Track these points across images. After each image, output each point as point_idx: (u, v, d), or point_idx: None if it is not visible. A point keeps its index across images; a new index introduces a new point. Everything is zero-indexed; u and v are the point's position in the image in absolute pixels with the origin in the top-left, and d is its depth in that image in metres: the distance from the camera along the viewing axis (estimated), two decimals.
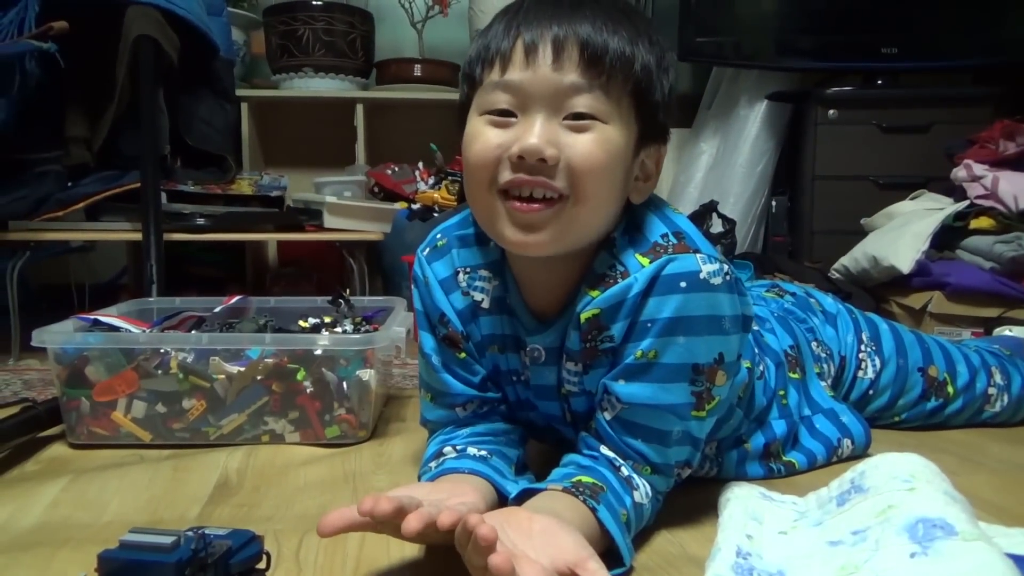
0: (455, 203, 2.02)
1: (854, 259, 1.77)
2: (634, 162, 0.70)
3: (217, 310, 1.19)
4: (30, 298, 1.71)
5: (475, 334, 0.78)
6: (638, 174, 0.71)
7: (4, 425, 0.92)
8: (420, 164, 2.22)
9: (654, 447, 0.69)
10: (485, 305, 0.77)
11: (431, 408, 0.81)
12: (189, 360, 0.97)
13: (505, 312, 0.77)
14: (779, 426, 0.87)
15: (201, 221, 1.72)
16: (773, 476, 0.85)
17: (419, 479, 0.76)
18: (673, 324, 0.66)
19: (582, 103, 0.65)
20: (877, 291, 1.73)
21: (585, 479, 0.66)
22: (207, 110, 1.84)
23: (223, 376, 0.97)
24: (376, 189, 2.23)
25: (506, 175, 0.66)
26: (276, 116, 2.54)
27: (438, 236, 0.81)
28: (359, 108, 2.36)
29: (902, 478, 0.61)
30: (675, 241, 0.69)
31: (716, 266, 0.67)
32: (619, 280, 0.69)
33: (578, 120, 0.65)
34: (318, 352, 0.98)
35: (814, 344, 0.97)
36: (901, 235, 1.68)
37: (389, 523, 0.57)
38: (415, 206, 2.06)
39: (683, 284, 0.66)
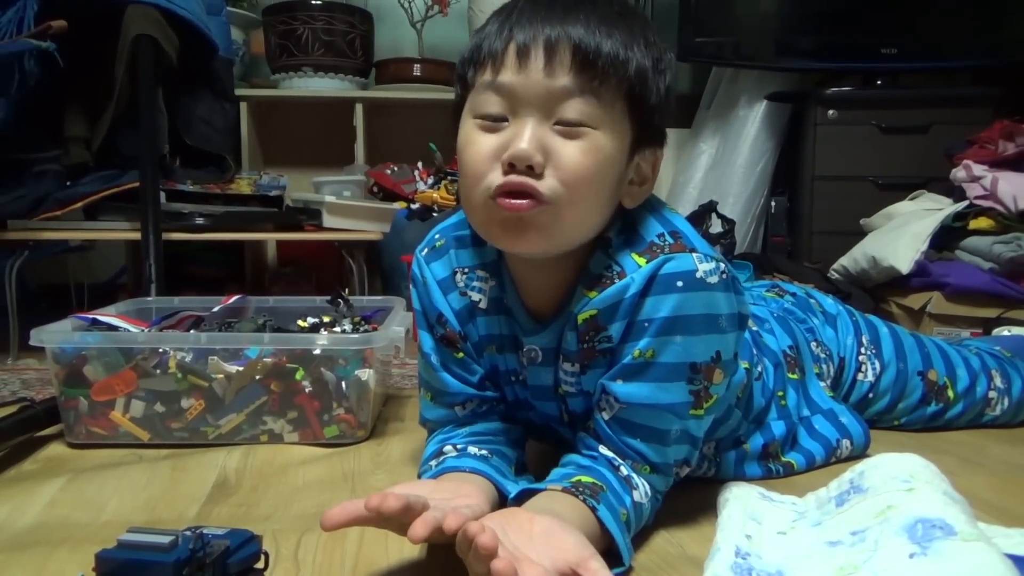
0: (454, 203, 2.02)
1: (853, 259, 1.78)
2: (628, 166, 0.69)
3: (216, 310, 1.18)
4: (29, 297, 1.71)
5: (473, 334, 0.78)
6: (633, 177, 0.70)
7: (2, 424, 0.92)
8: (419, 164, 2.22)
9: (653, 446, 0.69)
10: (483, 305, 0.77)
11: (430, 407, 0.81)
12: (188, 360, 0.97)
13: (502, 312, 0.77)
14: (778, 427, 0.87)
15: (200, 221, 1.71)
16: (772, 476, 0.85)
17: (419, 478, 0.76)
18: (670, 323, 0.66)
19: (573, 109, 0.64)
20: (876, 291, 1.73)
21: (585, 479, 0.66)
22: (206, 109, 1.84)
23: (222, 376, 0.97)
24: (375, 189, 2.23)
25: (498, 179, 0.65)
26: (275, 116, 2.53)
27: (436, 236, 0.81)
28: (358, 108, 2.36)
29: (901, 478, 0.61)
30: (671, 241, 0.69)
31: (712, 265, 0.67)
32: (616, 280, 0.69)
33: (568, 127, 0.64)
34: (317, 352, 0.98)
35: (813, 344, 0.97)
36: (900, 235, 1.68)
37: (394, 520, 0.57)
38: (414, 206, 2.05)
39: (680, 283, 0.66)
